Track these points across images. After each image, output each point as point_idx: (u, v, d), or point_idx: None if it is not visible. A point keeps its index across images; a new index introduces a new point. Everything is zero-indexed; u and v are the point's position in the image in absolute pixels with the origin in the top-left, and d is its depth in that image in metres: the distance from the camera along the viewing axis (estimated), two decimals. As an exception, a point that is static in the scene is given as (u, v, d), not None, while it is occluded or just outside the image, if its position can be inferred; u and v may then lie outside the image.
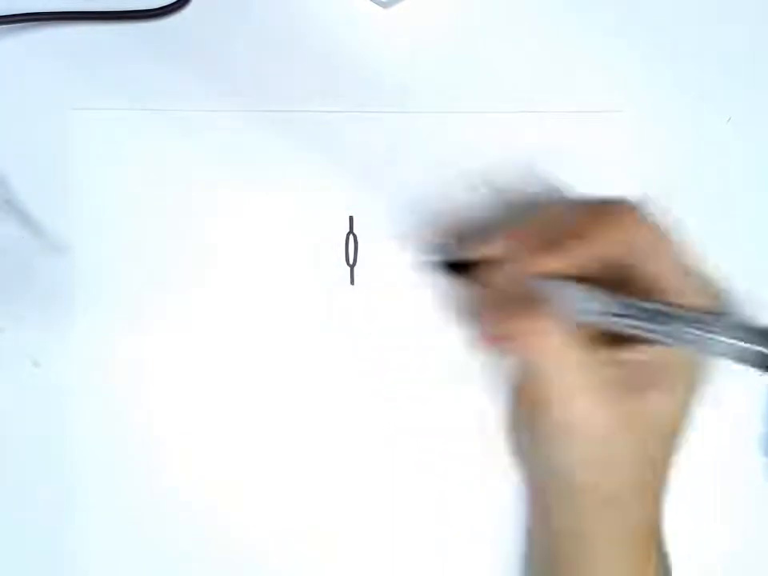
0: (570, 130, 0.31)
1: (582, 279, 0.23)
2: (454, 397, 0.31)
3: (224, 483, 0.31)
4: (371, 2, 0.31)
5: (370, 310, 0.31)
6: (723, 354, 0.21)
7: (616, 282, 0.23)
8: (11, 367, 0.30)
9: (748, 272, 0.31)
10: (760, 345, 0.20)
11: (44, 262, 0.30)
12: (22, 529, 0.31)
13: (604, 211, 0.24)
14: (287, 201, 0.31)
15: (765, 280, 0.31)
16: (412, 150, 0.31)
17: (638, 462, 0.24)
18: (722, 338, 0.21)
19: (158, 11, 0.30)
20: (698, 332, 0.21)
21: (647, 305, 0.22)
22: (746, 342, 0.21)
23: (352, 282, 0.31)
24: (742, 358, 0.21)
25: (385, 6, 0.31)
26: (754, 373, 0.20)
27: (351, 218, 0.31)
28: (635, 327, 0.22)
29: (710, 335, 0.21)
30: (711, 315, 0.21)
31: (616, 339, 0.23)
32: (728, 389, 0.31)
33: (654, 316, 0.22)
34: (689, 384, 0.24)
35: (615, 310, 0.22)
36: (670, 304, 0.22)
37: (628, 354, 0.23)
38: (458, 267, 0.27)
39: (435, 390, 0.31)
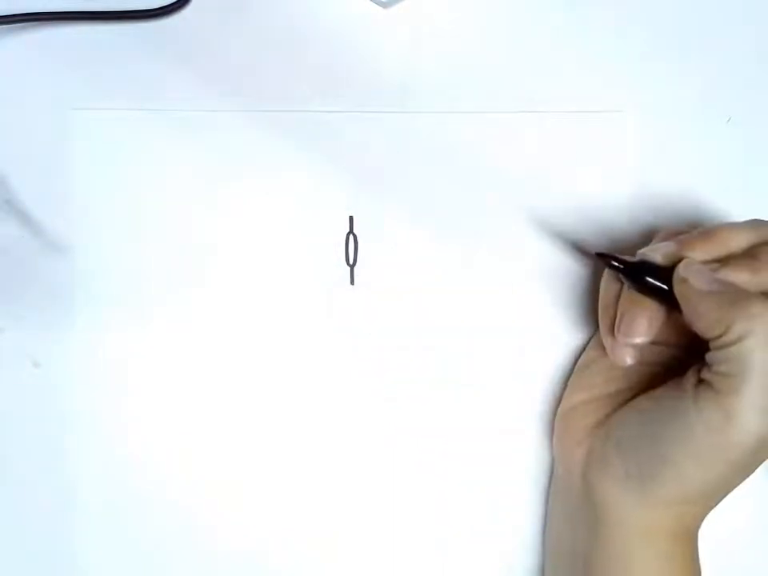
0: (570, 130, 0.31)
1: None
2: (454, 397, 0.31)
3: (224, 483, 0.31)
4: (371, 2, 0.31)
5: (370, 309, 0.31)
6: None
7: None
8: (11, 367, 0.30)
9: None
10: None
11: (44, 261, 0.30)
12: (22, 529, 0.31)
13: None
14: (287, 201, 0.31)
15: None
16: (412, 150, 0.31)
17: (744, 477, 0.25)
18: None
19: (158, 11, 0.30)
20: None
21: None
22: None
23: (352, 282, 0.31)
24: None
25: (385, 6, 0.31)
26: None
27: (351, 218, 0.31)
28: None
29: None
30: None
31: None
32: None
33: None
34: None
35: None
36: None
37: None
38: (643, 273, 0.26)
39: (435, 389, 0.31)
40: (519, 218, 0.31)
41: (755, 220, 0.26)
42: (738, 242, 0.25)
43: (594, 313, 0.29)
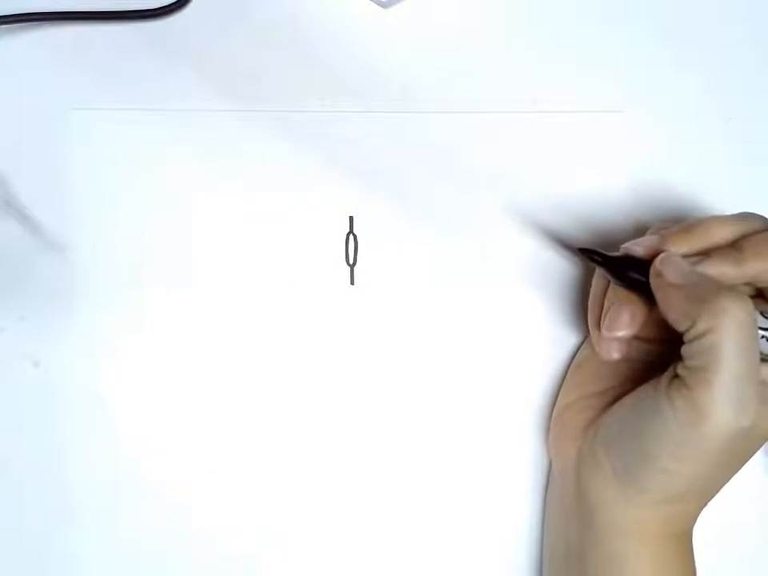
0: (570, 130, 0.31)
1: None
2: (454, 396, 0.31)
3: (224, 483, 0.31)
4: (371, 2, 0.31)
5: (370, 309, 0.31)
6: None
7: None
8: (11, 367, 0.30)
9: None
10: None
11: (43, 261, 0.30)
12: (22, 529, 0.31)
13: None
14: (287, 201, 0.31)
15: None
16: (412, 150, 0.31)
17: (730, 474, 0.25)
18: None
19: (158, 11, 0.30)
20: None
21: None
22: None
23: (352, 282, 0.31)
24: None
25: (385, 6, 0.31)
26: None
27: (351, 218, 0.31)
28: None
29: None
30: None
31: None
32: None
33: None
34: None
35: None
36: None
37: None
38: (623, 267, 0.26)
39: (435, 389, 0.31)
40: (519, 218, 0.31)
41: (742, 213, 0.26)
42: (723, 234, 0.25)
43: (592, 313, 0.29)
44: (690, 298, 0.23)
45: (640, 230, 0.31)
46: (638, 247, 0.25)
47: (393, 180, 0.31)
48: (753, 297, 0.26)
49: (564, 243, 0.30)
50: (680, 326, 0.23)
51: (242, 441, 0.31)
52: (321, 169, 0.31)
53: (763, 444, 0.26)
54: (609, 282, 0.27)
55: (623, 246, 0.26)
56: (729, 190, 0.31)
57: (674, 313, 0.23)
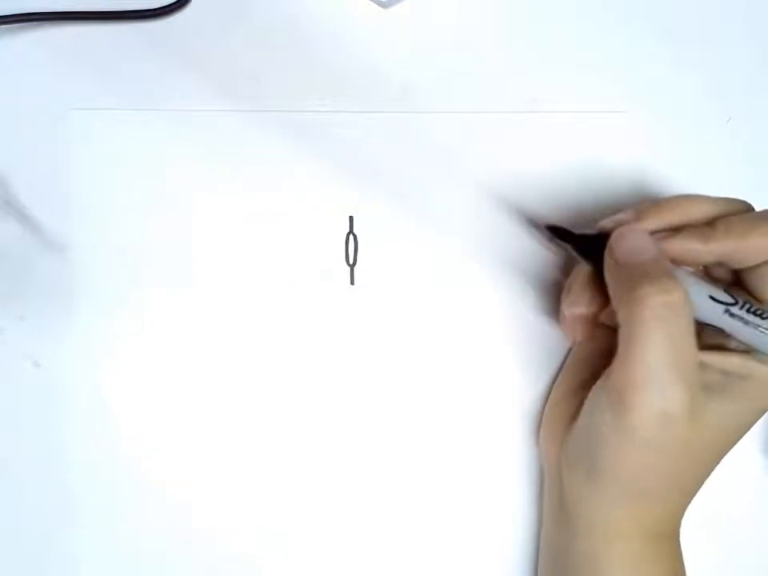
0: (570, 130, 0.31)
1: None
2: (454, 396, 0.31)
3: (224, 483, 0.31)
4: (371, 2, 0.31)
5: (370, 309, 0.31)
6: None
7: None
8: (11, 367, 0.30)
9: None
10: None
11: (44, 261, 0.30)
12: (22, 529, 0.31)
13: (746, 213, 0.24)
14: (287, 201, 0.31)
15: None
16: (412, 150, 0.31)
17: (687, 462, 0.24)
18: None
19: (158, 11, 0.30)
20: None
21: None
22: None
23: (352, 282, 0.31)
24: None
25: (385, 6, 0.31)
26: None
27: (351, 218, 0.31)
28: (752, 326, 0.23)
29: None
30: None
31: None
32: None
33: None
34: (757, 403, 0.24)
35: (735, 310, 0.23)
36: None
37: (717, 359, 0.24)
38: (583, 242, 0.26)
39: (435, 389, 0.31)
40: (519, 217, 0.31)
41: (728, 197, 0.25)
42: (702, 212, 0.24)
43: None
44: (620, 281, 0.22)
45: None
46: (610, 223, 0.25)
47: (393, 180, 0.31)
48: (730, 281, 0.25)
49: (531, 221, 0.29)
50: (614, 308, 0.23)
51: (242, 440, 0.31)
52: (321, 169, 0.31)
53: (735, 438, 0.25)
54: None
55: (599, 223, 0.25)
56: (729, 189, 0.31)
57: (612, 296, 0.23)
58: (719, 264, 0.25)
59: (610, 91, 0.31)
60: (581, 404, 0.26)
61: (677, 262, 0.24)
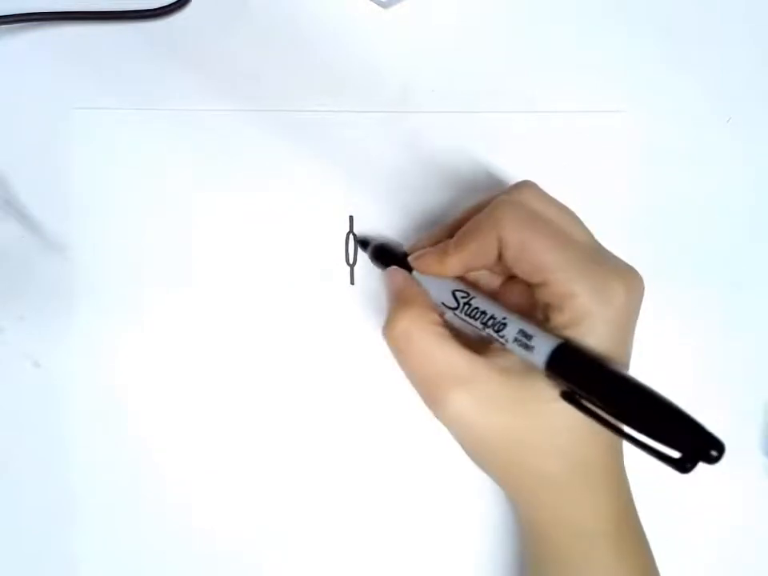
0: (570, 130, 0.31)
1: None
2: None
3: (224, 483, 0.31)
4: (371, 2, 0.31)
5: (370, 310, 0.31)
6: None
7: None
8: (11, 367, 0.30)
9: (748, 271, 0.31)
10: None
11: (44, 261, 0.30)
12: (22, 529, 0.31)
13: (480, 216, 0.25)
14: (287, 201, 0.31)
15: (764, 277, 0.31)
16: (412, 150, 0.31)
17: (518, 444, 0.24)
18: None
19: (158, 11, 0.30)
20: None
21: (486, 308, 0.24)
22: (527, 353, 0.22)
23: (352, 282, 0.31)
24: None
25: (385, 6, 0.31)
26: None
27: (351, 218, 0.31)
28: (472, 326, 0.25)
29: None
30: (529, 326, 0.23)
31: None
32: (728, 389, 0.31)
33: (487, 320, 0.24)
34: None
35: (457, 313, 0.25)
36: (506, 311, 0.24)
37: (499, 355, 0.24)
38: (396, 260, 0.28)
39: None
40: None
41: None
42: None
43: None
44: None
45: (639, 229, 0.31)
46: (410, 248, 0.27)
47: (393, 180, 0.31)
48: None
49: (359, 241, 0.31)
50: None
51: (242, 440, 0.31)
52: (321, 169, 0.31)
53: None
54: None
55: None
56: (729, 189, 0.31)
57: None
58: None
59: (610, 91, 0.31)
60: None
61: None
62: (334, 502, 0.31)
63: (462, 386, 0.23)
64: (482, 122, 0.31)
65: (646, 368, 0.29)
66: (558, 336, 0.22)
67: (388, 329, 0.25)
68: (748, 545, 0.31)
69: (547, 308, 0.23)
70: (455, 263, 0.25)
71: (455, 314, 0.25)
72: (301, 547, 0.31)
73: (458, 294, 0.25)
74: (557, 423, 0.23)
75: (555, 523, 0.25)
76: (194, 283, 0.31)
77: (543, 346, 0.22)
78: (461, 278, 0.26)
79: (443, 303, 0.26)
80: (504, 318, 0.24)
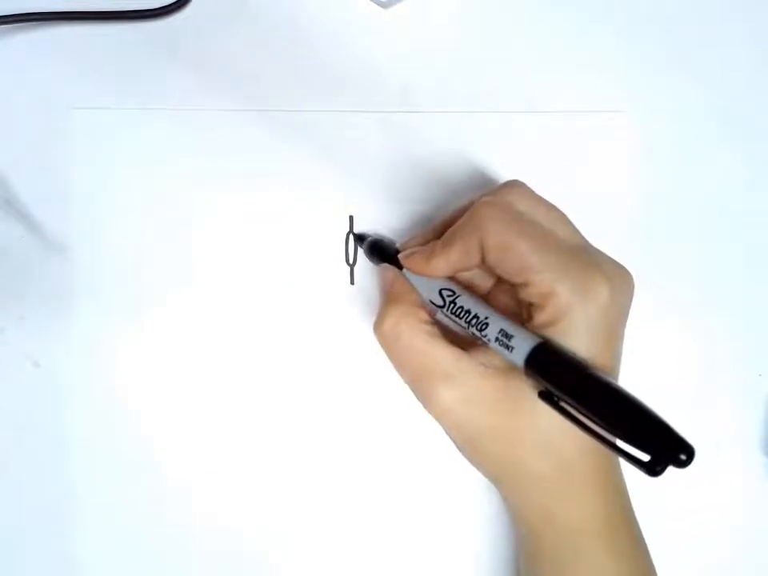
0: (570, 130, 0.31)
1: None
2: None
3: (225, 482, 0.31)
4: (371, 2, 0.31)
5: (370, 309, 0.31)
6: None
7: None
8: (11, 367, 0.30)
9: (747, 271, 0.31)
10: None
11: (44, 261, 0.30)
12: (22, 528, 0.31)
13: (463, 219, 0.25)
14: (287, 200, 0.31)
15: (764, 277, 0.31)
16: (412, 150, 0.31)
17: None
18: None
19: (158, 11, 0.30)
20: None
21: (470, 307, 0.24)
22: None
23: (352, 282, 0.31)
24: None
25: (385, 6, 0.31)
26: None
27: (351, 218, 0.31)
28: (458, 325, 0.25)
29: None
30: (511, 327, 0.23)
31: None
32: (728, 389, 0.31)
33: (470, 319, 0.24)
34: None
35: (444, 311, 0.25)
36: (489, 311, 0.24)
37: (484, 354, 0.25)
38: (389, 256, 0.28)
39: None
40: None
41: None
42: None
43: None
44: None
45: (638, 228, 0.31)
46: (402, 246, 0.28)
47: (393, 180, 0.31)
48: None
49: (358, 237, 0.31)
50: None
51: (243, 439, 0.31)
52: (321, 169, 0.31)
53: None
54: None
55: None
56: (729, 189, 0.31)
57: None
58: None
59: (610, 91, 0.31)
60: None
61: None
62: (334, 501, 0.31)
63: (447, 382, 0.24)
64: (482, 122, 0.31)
65: (645, 368, 0.30)
66: (538, 336, 0.22)
67: (377, 325, 0.25)
68: (748, 545, 0.31)
69: (530, 308, 0.23)
70: (442, 264, 0.25)
71: (442, 312, 0.26)
72: (300, 546, 0.31)
73: (445, 293, 0.26)
74: (541, 422, 0.23)
75: (545, 521, 0.25)
76: (194, 283, 0.31)
77: (522, 346, 0.22)
78: (453, 278, 0.26)
79: (431, 301, 0.26)
80: (486, 318, 0.24)
